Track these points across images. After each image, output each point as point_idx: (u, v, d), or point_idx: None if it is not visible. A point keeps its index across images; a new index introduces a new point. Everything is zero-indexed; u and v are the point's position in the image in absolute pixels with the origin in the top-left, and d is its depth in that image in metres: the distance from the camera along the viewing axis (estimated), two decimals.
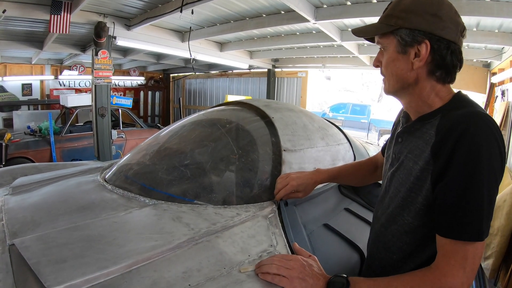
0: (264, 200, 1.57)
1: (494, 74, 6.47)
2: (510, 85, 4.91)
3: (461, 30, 1.08)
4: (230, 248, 1.23)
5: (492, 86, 6.48)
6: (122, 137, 8.45)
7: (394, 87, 1.15)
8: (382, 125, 14.51)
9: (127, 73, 13.54)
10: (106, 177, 1.91)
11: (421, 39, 1.04)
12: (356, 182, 1.79)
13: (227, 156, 1.78)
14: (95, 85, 6.23)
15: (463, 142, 0.93)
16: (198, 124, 2.14)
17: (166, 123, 14.09)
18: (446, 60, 1.06)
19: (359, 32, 1.21)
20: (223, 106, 2.32)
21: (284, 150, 1.72)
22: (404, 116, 1.27)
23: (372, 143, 4.34)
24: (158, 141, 2.11)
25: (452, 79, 1.11)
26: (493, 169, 0.93)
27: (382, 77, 1.20)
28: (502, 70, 5.94)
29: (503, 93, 5.55)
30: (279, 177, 1.57)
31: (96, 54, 6.14)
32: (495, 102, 6.25)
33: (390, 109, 19.90)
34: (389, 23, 1.10)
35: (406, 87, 1.13)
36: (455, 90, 1.13)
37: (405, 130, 1.20)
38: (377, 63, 1.20)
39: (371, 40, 1.22)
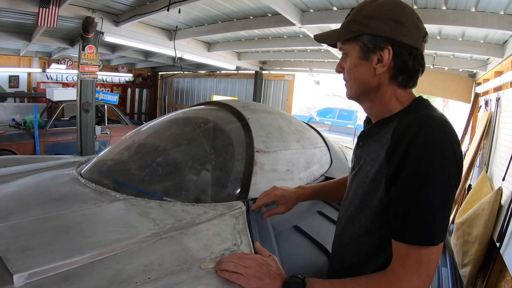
0: (234, 200, 1.59)
1: (479, 84, 6.54)
2: (493, 96, 4.94)
3: (423, 35, 1.09)
4: (193, 244, 1.24)
5: (477, 96, 6.53)
6: (106, 133, 8.39)
7: (356, 92, 1.15)
8: None
9: (115, 69, 13.40)
10: (81, 171, 1.92)
11: (384, 45, 1.05)
12: (338, 198, 1.72)
13: (199, 155, 1.81)
14: (81, 80, 6.17)
15: (415, 144, 0.93)
16: (174, 122, 2.16)
17: None
18: (408, 65, 1.07)
19: (321, 38, 1.22)
20: (202, 106, 2.35)
21: (257, 151, 1.74)
22: (366, 120, 1.29)
23: (352, 148, 4.36)
24: (134, 138, 2.13)
25: (414, 84, 1.12)
26: (447, 171, 0.93)
27: (344, 82, 1.21)
28: (486, 80, 5.98)
29: (486, 103, 5.56)
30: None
31: (83, 49, 6.09)
32: (478, 111, 6.28)
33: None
34: (351, 29, 1.11)
35: (368, 92, 1.14)
36: (417, 95, 1.15)
37: (365, 133, 1.20)
38: (339, 69, 1.20)
39: (334, 46, 1.23)
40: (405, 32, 1.05)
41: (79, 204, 1.47)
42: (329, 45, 1.27)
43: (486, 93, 5.85)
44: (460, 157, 0.97)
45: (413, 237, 0.94)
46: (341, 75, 1.20)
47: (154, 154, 1.87)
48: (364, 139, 1.21)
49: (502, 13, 3.80)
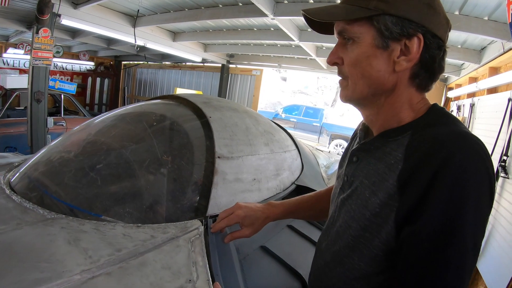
0: (189, 218, 1.27)
1: (450, 89, 6.65)
2: (466, 101, 4.98)
3: (450, 28, 0.85)
4: (136, 283, 0.95)
5: (448, 100, 6.60)
6: (62, 125, 7.74)
7: (363, 93, 0.86)
8: (334, 129, 14.72)
9: (76, 56, 12.55)
10: (12, 178, 1.54)
11: (413, 32, 0.79)
12: (314, 216, 1.47)
13: (148, 161, 1.45)
14: (33, 67, 5.57)
15: (446, 173, 0.68)
16: (122, 119, 1.77)
17: None
18: (436, 62, 0.82)
19: (319, 12, 0.88)
20: (159, 100, 1.99)
21: (218, 157, 1.44)
22: (362, 129, 1.01)
23: (323, 150, 4.16)
24: (73, 138, 1.74)
25: (431, 87, 0.87)
26: (483, 212, 0.70)
27: (340, 79, 0.92)
28: (459, 85, 6.08)
29: (458, 108, 5.59)
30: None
31: (37, 32, 5.52)
32: None
33: (343, 114, 20.24)
34: (366, 6, 0.81)
35: (379, 95, 0.86)
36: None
37: (362, 148, 0.93)
38: (335, 60, 0.90)
39: (323, 30, 0.94)
40: (436, 20, 0.80)
41: None
42: (316, 29, 0.96)
43: (457, 98, 5.95)
44: (494, 189, 0.72)
45: None
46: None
47: (92, 160, 1.49)
48: (359, 153, 0.92)
49: (486, 18, 3.73)
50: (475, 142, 0.72)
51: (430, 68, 0.82)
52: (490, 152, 3.32)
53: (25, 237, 1.08)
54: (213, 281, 1.04)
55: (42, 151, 1.70)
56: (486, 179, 0.69)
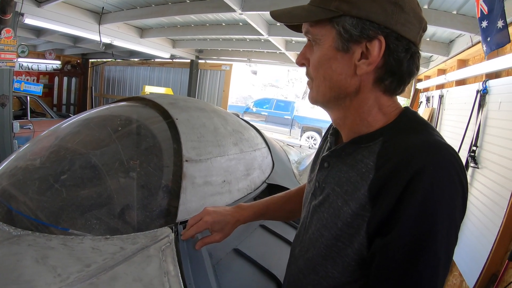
0: (158, 226, 1.24)
1: (419, 80, 6.81)
2: (435, 92, 5.12)
3: (424, 28, 0.82)
4: None
5: (417, 91, 6.76)
6: (29, 128, 7.42)
7: (326, 96, 0.85)
8: (305, 122, 14.83)
9: (42, 55, 12.07)
10: None
11: (374, 34, 0.75)
12: (284, 217, 1.47)
13: (114, 169, 1.39)
14: None
15: (418, 187, 0.66)
16: (85, 125, 1.69)
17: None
18: (403, 66, 0.78)
19: (281, 16, 0.88)
20: (124, 102, 1.91)
21: (186, 161, 1.40)
22: (333, 133, 0.99)
23: (294, 145, 4.16)
24: (37, 146, 1.65)
25: (402, 90, 0.84)
26: (455, 224, 0.68)
27: (307, 80, 0.90)
28: (428, 77, 6.28)
29: (428, 100, 5.72)
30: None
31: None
32: (419, 107, 6.46)
33: (313, 106, 20.29)
34: (327, 7, 0.79)
35: (342, 98, 0.83)
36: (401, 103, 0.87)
37: (333, 154, 0.90)
38: (302, 61, 0.89)
39: (295, 28, 0.92)
40: (404, 20, 0.76)
41: None
42: (289, 27, 0.94)
43: (426, 89, 6.12)
44: (466, 200, 0.71)
45: None
46: (301, 70, 0.88)
47: (56, 170, 1.40)
48: (330, 159, 0.90)
49: (455, 12, 3.84)
50: (449, 152, 0.70)
51: (396, 72, 0.79)
52: (459, 143, 3.42)
53: None
54: None
55: (5, 163, 1.59)
56: (459, 191, 0.69)
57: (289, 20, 0.87)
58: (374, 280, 0.72)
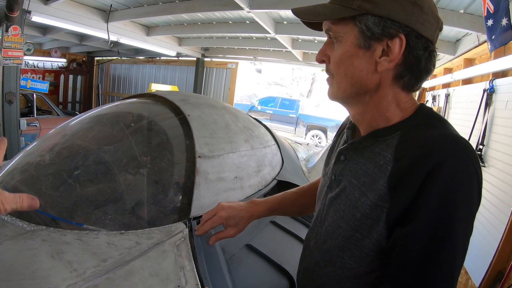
0: (173, 222, 1.25)
1: None
2: (442, 91, 5.11)
3: (440, 27, 0.84)
4: None
5: (423, 90, 6.70)
6: (36, 125, 7.44)
7: (346, 92, 0.87)
8: (310, 120, 14.82)
9: (48, 53, 12.04)
10: None
11: (395, 32, 0.78)
12: (297, 212, 1.48)
13: (128, 164, 1.40)
14: (3, 67, 5.30)
15: (438, 178, 0.68)
16: (98, 121, 1.70)
17: (87, 110, 12.98)
18: (421, 63, 0.81)
19: (305, 13, 0.89)
20: (135, 99, 1.93)
21: (199, 157, 1.41)
22: (350, 127, 1.00)
23: (301, 143, 4.17)
24: (49, 142, 1.64)
25: (419, 87, 0.86)
26: (472, 215, 0.71)
27: (327, 76, 0.91)
28: (434, 76, 6.20)
29: (434, 98, 5.71)
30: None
31: (7, 31, 5.24)
32: None
33: (318, 105, 20.35)
34: (349, 6, 0.81)
35: (362, 94, 0.85)
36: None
37: (350, 147, 0.92)
38: (323, 58, 0.90)
39: (315, 26, 0.93)
40: (423, 19, 0.78)
41: None
42: (309, 25, 0.95)
43: (432, 88, 6.09)
44: (481, 193, 0.74)
45: None
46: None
47: (70, 166, 1.42)
48: (348, 152, 0.92)
49: (462, 11, 3.81)
50: (465, 145, 0.73)
51: (415, 69, 0.82)
52: None
53: (6, 253, 1.02)
54: (203, 286, 1.02)
55: (17, 158, 1.60)
56: (475, 182, 0.71)
57: (313, 17, 0.89)
58: (394, 269, 0.74)
